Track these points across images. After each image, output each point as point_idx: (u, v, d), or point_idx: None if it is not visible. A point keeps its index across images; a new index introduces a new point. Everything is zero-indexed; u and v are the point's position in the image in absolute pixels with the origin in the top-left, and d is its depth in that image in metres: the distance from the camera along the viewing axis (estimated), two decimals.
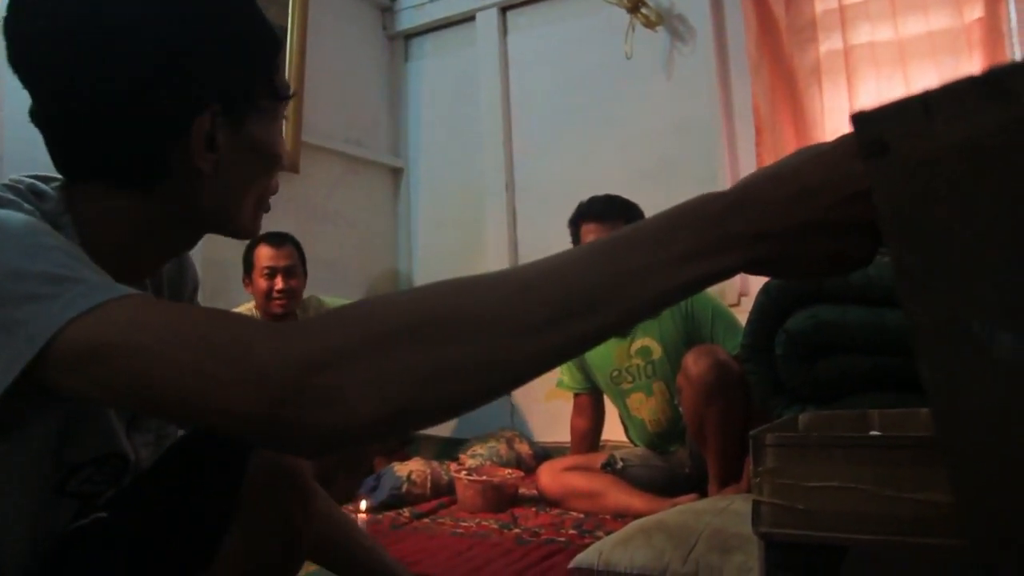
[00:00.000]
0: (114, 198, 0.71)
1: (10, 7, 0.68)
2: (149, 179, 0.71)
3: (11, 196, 0.65)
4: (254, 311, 2.64)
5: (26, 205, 0.65)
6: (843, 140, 0.53)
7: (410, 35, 4.00)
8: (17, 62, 0.69)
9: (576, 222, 2.45)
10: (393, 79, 3.99)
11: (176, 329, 0.51)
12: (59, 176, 0.73)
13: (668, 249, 0.51)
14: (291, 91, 0.80)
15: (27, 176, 0.71)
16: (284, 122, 0.85)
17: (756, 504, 1.01)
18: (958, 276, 0.42)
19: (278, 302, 2.58)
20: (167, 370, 0.49)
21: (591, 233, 2.38)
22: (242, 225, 0.78)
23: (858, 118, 0.47)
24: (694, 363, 2.17)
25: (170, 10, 0.69)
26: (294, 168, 3.20)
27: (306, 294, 2.74)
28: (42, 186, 0.70)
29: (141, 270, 0.77)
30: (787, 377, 1.72)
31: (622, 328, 0.53)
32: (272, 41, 0.77)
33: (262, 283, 2.58)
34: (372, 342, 0.48)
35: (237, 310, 2.61)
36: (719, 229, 0.51)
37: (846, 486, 0.96)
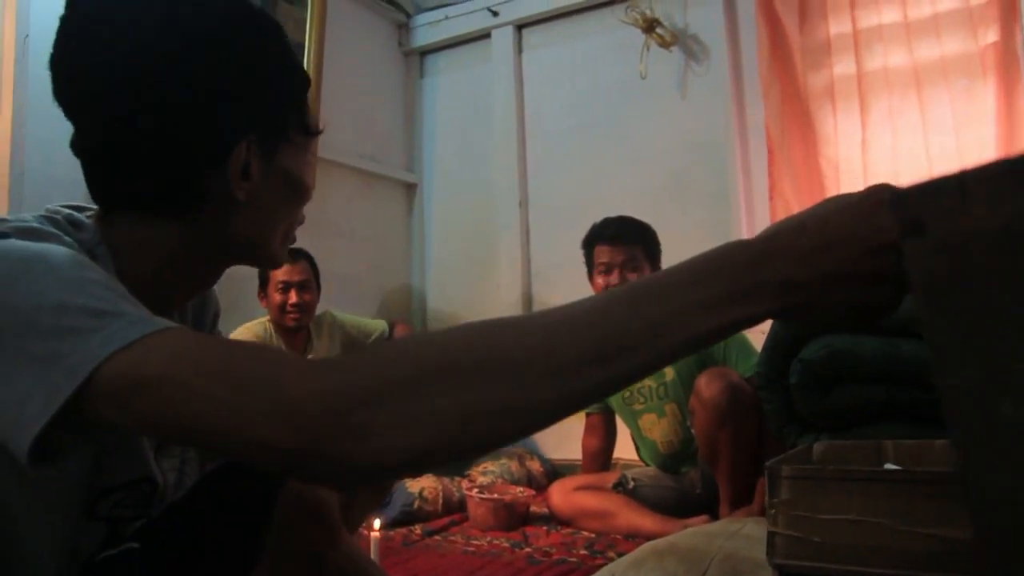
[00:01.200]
0: (149, 227, 0.73)
1: (57, 43, 0.71)
2: (186, 207, 0.73)
3: (51, 228, 0.67)
4: (268, 325, 2.68)
5: (66, 238, 0.67)
6: (871, 191, 0.54)
7: (426, 51, 4.02)
8: (62, 96, 0.71)
9: (589, 243, 2.47)
10: (408, 95, 4.02)
11: (214, 364, 0.53)
12: (91, 206, 0.75)
13: (696, 296, 0.52)
14: (320, 127, 0.82)
15: (63, 206, 0.73)
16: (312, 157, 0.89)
17: (771, 535, 1.01)
18: (990, 355, 0.43)
19: (292, 316, 2.63)
20: (204, 404, 0.51)
21: (604, 255, 2.40)
22: (271, 253, 0.81)
23: (896, 198, 0.48)
24: (706, 386, 2.17)
25: (210, 45, 0.71)
26: None
27: (320, 309, 2.77)
28: (79, 216, 0.72)
29: (172, 301, 0.79)
30: (801, 406, 1.72)
31: (649, 372, 0.54)
32: (303, 77, 0.80)
33: (276, 297, 2.63)
34: (404, 382, 0.50)
35: (252, 323, 2.66)
36: (747, 278, 0.53)
37: (861, 519, 0.96)
